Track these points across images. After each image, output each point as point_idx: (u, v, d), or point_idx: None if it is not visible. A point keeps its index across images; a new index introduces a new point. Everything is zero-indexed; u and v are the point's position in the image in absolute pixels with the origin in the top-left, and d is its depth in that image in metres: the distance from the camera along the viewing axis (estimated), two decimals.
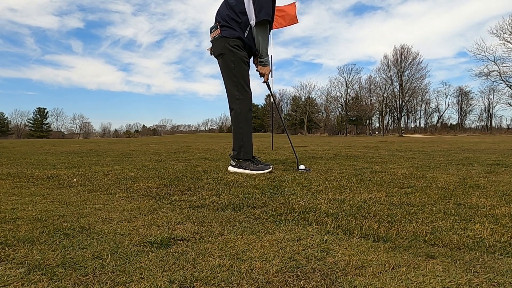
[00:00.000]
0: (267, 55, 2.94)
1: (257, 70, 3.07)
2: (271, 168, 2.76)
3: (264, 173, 2.68)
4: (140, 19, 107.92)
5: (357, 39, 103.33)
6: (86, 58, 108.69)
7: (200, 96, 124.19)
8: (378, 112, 66.78)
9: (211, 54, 2.99)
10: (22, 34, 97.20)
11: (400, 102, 61.10)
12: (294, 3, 6.60)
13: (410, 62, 59.38)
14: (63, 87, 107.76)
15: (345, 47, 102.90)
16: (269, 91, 3.38)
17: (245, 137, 2.80)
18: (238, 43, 2.76)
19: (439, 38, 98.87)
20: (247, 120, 2.81)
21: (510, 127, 65.98)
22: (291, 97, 74.81)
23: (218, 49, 2.82)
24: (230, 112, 2.86)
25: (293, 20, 6.60)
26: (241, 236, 1.10)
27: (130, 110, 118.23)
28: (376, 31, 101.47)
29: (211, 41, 2.91)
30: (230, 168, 2.86)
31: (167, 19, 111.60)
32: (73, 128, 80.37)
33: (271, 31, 7.26)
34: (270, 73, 3.13)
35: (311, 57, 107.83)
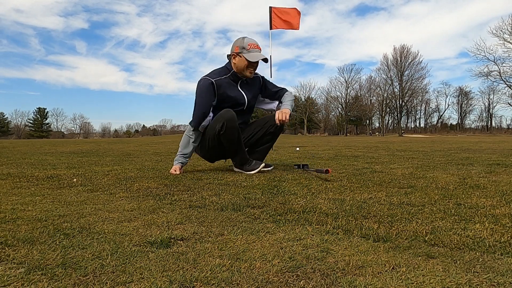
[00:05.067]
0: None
1: None
2: (263, 165, 2.77)
3: (258, 170, 2.73)
4: (144, 20, 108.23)
5: (360, 39, 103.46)
6: (90, 58, 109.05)
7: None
8: (378, 112, 66.81)
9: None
10: (26, 34, 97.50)
11: (400, 102, 61.11)
12: (299, 12, 6.76)
13: (410, 62, 59.45)
14: (66, 87, 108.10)
15: (347, 48, 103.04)
16: None
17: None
18: None
19: (442, 38, 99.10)
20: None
21: (510, 127, 65.98)
22: None
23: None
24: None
25: (295, 26, 6.73)
26: (241, 236, 1.10)
27: (131, 110, 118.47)
28: (379, 31, 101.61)
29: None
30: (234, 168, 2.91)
31: (171, 19, 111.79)
32: (73, 128, 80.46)
33: (271, 31, 7.16)
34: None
35: (313, 58, 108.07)
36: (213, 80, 2.73)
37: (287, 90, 3.05)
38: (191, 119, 2.79)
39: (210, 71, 2.85)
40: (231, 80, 2.81)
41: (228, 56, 2.84)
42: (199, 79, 2.79)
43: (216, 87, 2.73)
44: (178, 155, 2.80)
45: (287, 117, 2.80)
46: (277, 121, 2.80)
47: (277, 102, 3.04)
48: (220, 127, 2.62)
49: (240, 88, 2.85)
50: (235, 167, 2.88)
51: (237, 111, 2.78)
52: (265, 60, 2.78)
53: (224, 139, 2.68)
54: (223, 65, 2.88)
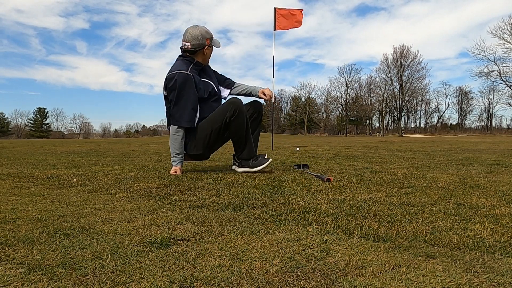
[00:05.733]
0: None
1: None
2: (270, 161, 2.78)
3: (265, 166, 2.73)
4: (145, 20, 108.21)
5: (360, 39, 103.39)
6: (90, 58, 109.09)
7: None
8: (378, 112, 66.84)
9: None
10: (27, 35, 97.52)
11: (400, 102, 61.15)
12: (302, 10, 6.85)
13: (410, 62, 59.51)
14: (66, 87, 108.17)
15: (347, 48, 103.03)
16: None
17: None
18: None
19: (442, 38, 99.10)
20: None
21: (510, 127, 66.04)
22: (291, 97, 74.84)
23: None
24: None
25: (297, 24, 6.81)
26: (241, 236, 1.10)
27: (131, 110, 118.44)
28: (379, 31, 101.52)
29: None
30: (234, 167, 2.92)
31: (172, 19, 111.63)
32: (73, 128, 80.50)
33: (275, 32, 7.25)
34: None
35: (314, 58, 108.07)
36: (189, 72, 2.71)
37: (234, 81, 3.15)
38: (174, 119, 2.71)
39: (174, 67, 2.77)
40: (195, 71, 2.80)
41: (190, 49, 2.75)
42: (168, 76, 2.71)
43: (194, 79, 2.73)
44: (175, 156, 2.76)
45: (271, 91, 3.04)
46: (267, 97, 2.99)
47: (228, 90, 3.06)
48: (232, 114, 2.63)
49: (200, 76, 2.85)
50: (239, 166, 2.83)
51: (213, 99, 2.83)
52: None
53: (235, 127, 2.68)
54: (178, 59, 2.83)
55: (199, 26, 2.79)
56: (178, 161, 2.77)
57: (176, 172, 2.70)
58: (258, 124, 2.99)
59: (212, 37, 2.82)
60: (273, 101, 3.02)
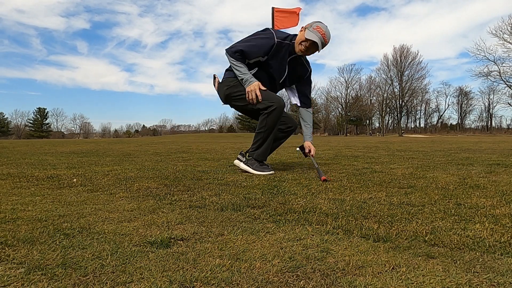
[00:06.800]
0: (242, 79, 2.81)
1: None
2: (272, 173, 2.73)
3: (264, 174, 2.68)
4: (146, 20, 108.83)
5: (360, 39, 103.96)
6: (91, 58, 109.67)
7: (202, 97, 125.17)
8: (378, 112, 66.87)
9: None
10: (28, 35, 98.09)
11: (400, 102, 61.19)
12: (299, 8, 6.82)
13: (410, 62, 59.56)
14: (67, 87, 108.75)
15: (348, 48, 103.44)
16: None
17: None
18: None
19: (442, 39, 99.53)
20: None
21: (510, 127, 66.07)
22: None
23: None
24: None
25: (295, 23, 6.78)
26: (241, 236, 1.10)
27: (131, 110, 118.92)
28: (380, 32, 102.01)
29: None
30: (236, 162, 2.90)
31: (172, 20, 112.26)
32: (73, 128, 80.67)
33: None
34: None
35: (314, 58, 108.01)
36: (276, 41, 2.74)
37: (311, 105, 3.14)
38: (231, 47, 2.75)
39: (280, 30, 2.87)
40: (287, 50, 2.82)
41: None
42: (267, 27, 2.83)
43: (273, 49, 2.75)
44: (245, 76, 2.73)
45: (314, 151, 3.01)
46: (310, 154, 2.97)
47: (298, 103, 3.10)
48: (266, 108, 2.69)
49: (288, 62, 2.86)
50: (244, 163, 2.81)
51: (271, 82, 2.87)
52: (316, 46, 2.72)
53: (265, 120, 2.73)
54: (293, 33, 2.89)
55: (320, 21, 2.79)
56: (251, 79, 2.73)
57: (255, 89, 2.69)
58: (285, 137, 3.04)
59: (312, 26, 2.72)
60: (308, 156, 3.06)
